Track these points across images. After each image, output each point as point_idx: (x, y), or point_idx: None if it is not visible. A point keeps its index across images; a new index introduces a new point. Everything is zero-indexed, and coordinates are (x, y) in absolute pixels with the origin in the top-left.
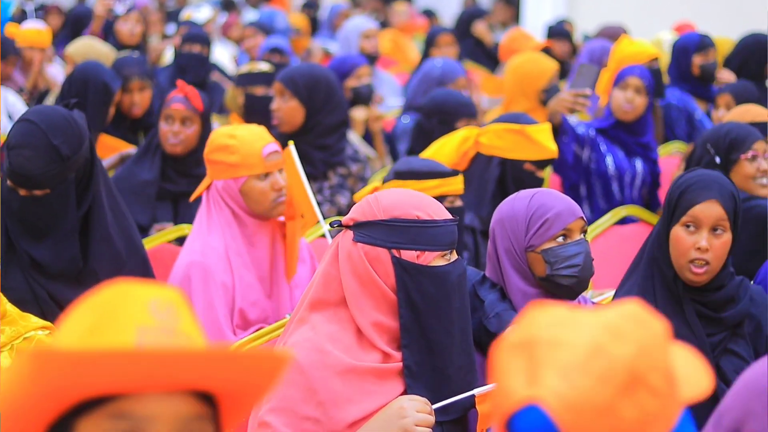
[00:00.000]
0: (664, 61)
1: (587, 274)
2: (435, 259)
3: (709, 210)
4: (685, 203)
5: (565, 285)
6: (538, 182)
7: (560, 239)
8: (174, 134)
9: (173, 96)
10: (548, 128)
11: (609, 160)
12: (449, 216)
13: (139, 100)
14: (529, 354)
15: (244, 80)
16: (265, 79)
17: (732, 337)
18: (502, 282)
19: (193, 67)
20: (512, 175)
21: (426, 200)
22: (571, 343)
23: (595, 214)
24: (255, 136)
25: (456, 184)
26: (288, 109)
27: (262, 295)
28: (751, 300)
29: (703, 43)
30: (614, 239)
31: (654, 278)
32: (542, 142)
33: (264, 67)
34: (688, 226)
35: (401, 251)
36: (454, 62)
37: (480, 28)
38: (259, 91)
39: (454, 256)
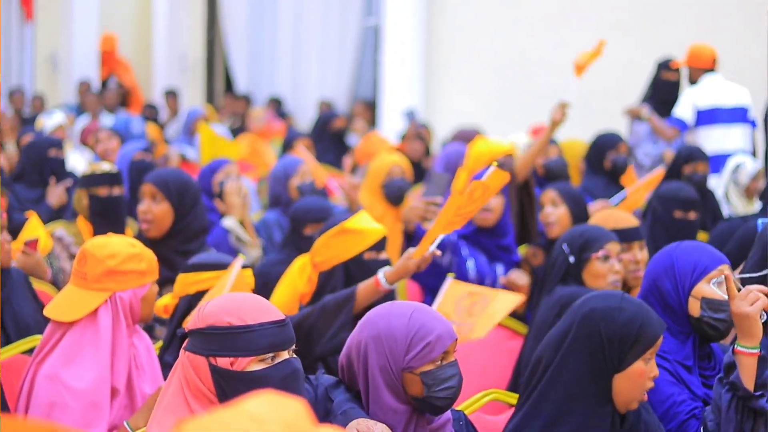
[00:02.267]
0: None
1: (458, 393)
2: (251, 364)
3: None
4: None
5: (438, 405)
6: (383, 264)
7: (438, 361)
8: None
9: None
10: (362, 213)
11: (470, 264)
12: (270, 318)
13: None
14: None
15: (88, 181)
16: (108, 179)
17: None
18: (364, 393)
19: (59, 171)
20: (355, 271)
21: (246, 304)
22: None
23: None
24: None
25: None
26: (159, 211)
27: None
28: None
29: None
30: (468, 345)
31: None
32: (365, 226)
33: (107, 167)
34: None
35: (217, 359)
36: (292, 158)
37: (337, 122)
38: (103, 191)
39: (281, 357)
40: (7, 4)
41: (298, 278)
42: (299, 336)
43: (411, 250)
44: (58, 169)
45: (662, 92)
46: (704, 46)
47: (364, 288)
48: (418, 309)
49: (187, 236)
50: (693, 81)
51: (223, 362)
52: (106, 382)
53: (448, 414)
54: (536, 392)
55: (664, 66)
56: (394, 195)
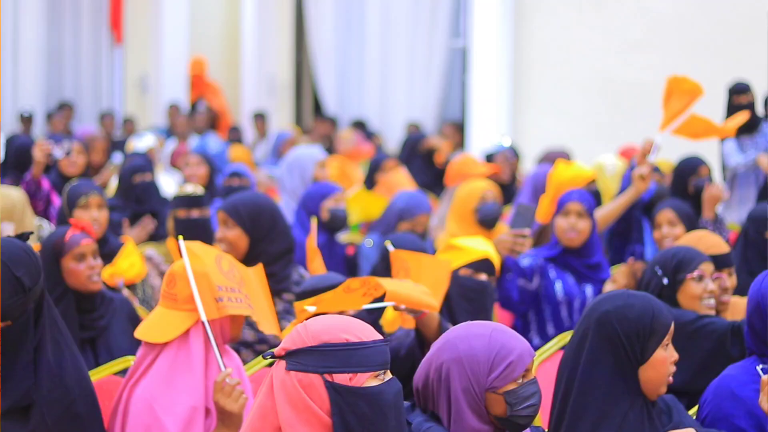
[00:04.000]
0: (606, 184)
1: (538, 410)
2: (368, 379)
3: None
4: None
5: (521, 423)
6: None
7: (519, 380)
8: (92, 269)
9: (73, 235)
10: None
11: (558, 286)
12: (379, 337)
13: (99, 217)
14: None
15: (173, 204)
16: (189, 202)
17: None
18: (445, 416)
19: (148, 195)
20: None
21: (354, 323)
22: None
23: (544, 339)
24: None
25: None
26: (231, 237)
27: None
28: None
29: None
30: (553, 365)
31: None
32: (469, 247)
33: (190, 189)
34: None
35: (333, 375)
36: (420, 198)
37: (431, 142)
38: (184, 213)
39: (388, 376)
40: (97, 28)
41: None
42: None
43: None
44: (147, 194)
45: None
46: None
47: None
48: (496, 329)
49: (267, 259)
50: None
51: (340, 378)
52: (200, 404)
53: (528, 430)
54: (570, 407)
55: (735, 91)
56: (487, 219)
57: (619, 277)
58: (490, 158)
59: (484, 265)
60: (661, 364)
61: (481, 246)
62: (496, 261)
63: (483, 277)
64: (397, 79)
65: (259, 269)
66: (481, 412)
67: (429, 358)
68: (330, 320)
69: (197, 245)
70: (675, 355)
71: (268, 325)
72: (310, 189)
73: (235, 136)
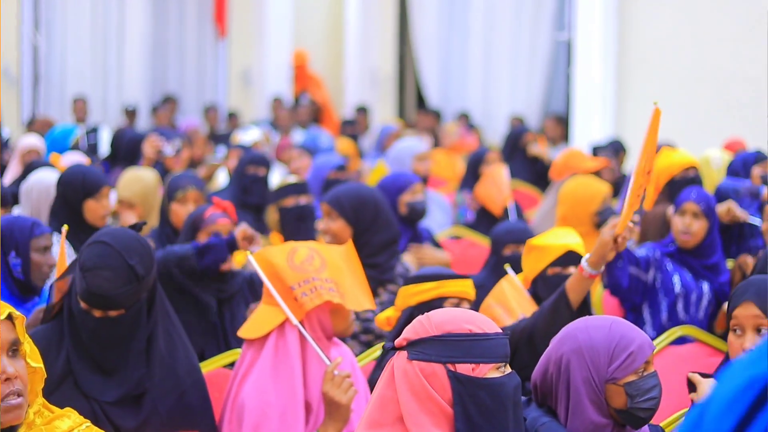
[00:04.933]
0: (712, 178)
1: (659, 404)
2: (490, 371)
3: (746, 311)
4: (730, 309)
5: (641, 417)
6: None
7: (640, 372)
8: None
9: (212, 213)
10: (555, 230)
11: (676, 279)
12: (499, 330)
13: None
14: None
15: (276, 195)
16: (294, 189)
17: None
18: (564, 409)
19: (257, 189)
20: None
21: (475, 315)
22: None
23: (658, 332)
24: None
25: (454, 286)
26: (335, 229)
27: None
28: None
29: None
30: (669, 360)
31: None
32: (550, 243)
33: (292, 179)
34: (735, 330)
35: (456, 365)
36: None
37: (535, 150)
38: (290, 201)
39: (508, 369)
40: (201, 22)
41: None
42: (520, 345)
43: (607, 229)
44: (256, 186)
45: None
46: None
47: (570, 281)
48: (615, 321)
49: (371, 250)
50: None
51: (463, 369)
52: (300, 398)
53: (646, 428)
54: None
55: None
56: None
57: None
58: (596, 152)
59: (570, 258)
60: (730, 347)
61: (562, 238)
62: (582, 249)
63: (572, 270)
64: (501, 72)
65: (349, 246)
66: (601, 404)
67: (548, 353)
68: (452, 312)
69: (267, 251)
70: (746, 344)
71: (358, 301)
72: (384, 182)
73: (348, 130)
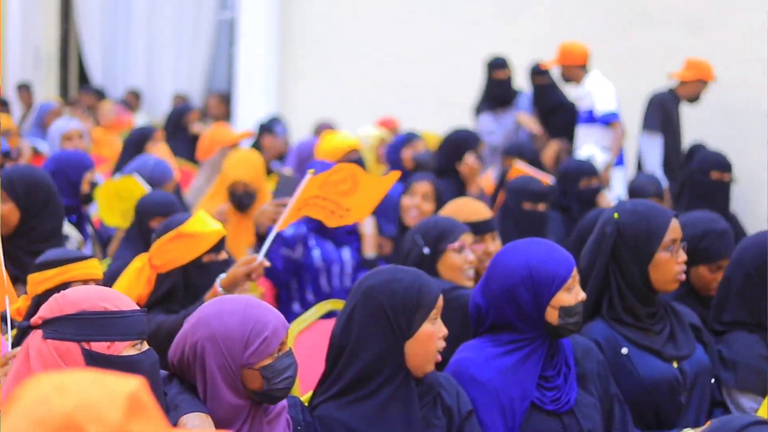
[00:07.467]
0: (365, 154)
1: (294, 381)
2: (125, 348)
3: None
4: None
5: (278, 396)
6: (221, 265)
7: (275, 354)
8: None
9: None
10: (199, 216)
11: (316, 253)
12: (136, 307)
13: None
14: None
15: None
16: None
17: None
18: (202, 391)
19: None
20: (193, 273)
21: (112, 293)
22: (24, 397)
23: (304, 307)
24: None
25: (78, 269)
26: (4, 210)
27: None
28: None
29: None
30: (319, 334)
31: None
32: (202, 230)
33: None
34: None
35: (91, 344)
36: (165, 165)
37: (196, 128)
38: None
39: (145, 346)
40: None
41: (135, 279)
42: (157, 343)
43: (245, 258)
44: None
45: (495, 91)
46: (575, 44)
47: (209, 298)
48: (249, 303)
49: (37, 236)
50: (568, 79)
51: (98, 347)
52: None
53: (284, 402)
54: (334, 373)
55: (494, 65)
56: (240, 202)
57: None
58: (263, 129)
59: (221, 244)
60: (428, 339)
61: (209, 226)
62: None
63: (223, 256)
64: (165, 51)
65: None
66: (237, 387)
67: (183, 334)
68: (88, 289)
69: None
70: (443, 330)
71: None
72: (62, 160)
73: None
